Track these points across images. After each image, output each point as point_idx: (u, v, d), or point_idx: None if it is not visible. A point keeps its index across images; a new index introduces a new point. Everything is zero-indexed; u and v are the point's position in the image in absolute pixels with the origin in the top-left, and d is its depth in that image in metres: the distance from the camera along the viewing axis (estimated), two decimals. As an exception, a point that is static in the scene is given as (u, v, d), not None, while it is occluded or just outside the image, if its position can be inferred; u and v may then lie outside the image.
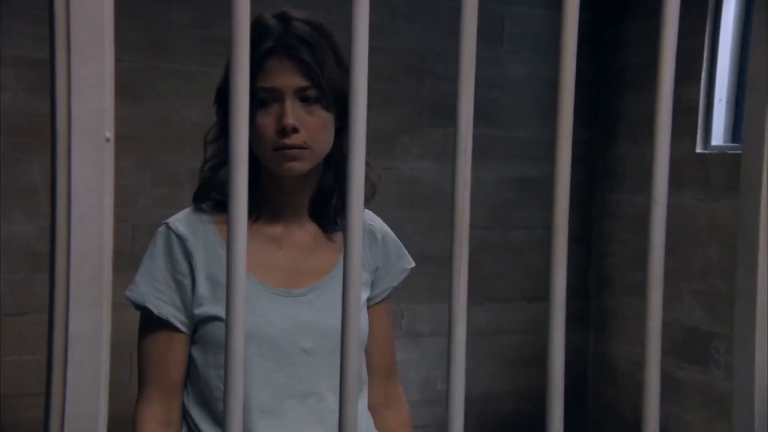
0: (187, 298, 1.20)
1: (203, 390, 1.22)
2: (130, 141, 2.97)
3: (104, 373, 0.58)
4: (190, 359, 1.23)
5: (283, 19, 1.18)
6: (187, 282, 1.20)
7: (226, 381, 0.61)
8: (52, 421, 0.56)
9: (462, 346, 0.66)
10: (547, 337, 0.72)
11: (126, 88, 3.06)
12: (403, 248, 1.36)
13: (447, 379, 0.69)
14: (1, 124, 2.95)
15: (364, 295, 1.29)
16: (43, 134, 2.92)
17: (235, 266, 0.60)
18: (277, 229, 1.25)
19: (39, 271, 2.98)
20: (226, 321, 0.61)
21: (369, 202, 1.28)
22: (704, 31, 3.14)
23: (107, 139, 0.56)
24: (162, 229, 1.23)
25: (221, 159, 1.21)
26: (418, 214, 3.43)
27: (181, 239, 1.20)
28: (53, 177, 0.55)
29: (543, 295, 3.50)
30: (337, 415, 1.23)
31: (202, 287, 1.19)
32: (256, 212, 1.22)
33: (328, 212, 1.26)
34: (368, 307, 1.31)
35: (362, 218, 0.65)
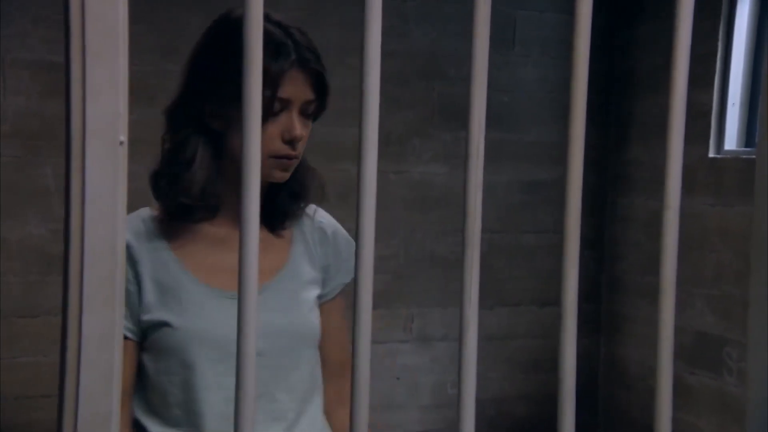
0: (134, 305, 1.19)
1: (155, 397, 1.22)
2: (143, 144, 2.98)
3: (117, 374, 0.58)
4: (141, 367, 1.22)
5: (280, 26, 1.18)
6: (133, 288, 1.19)
7: (237, 388, 0.61)
8: (66, 422, 0.56)
9: (473, 350, 0.66)
10: (558, 341, 0.71)
11: (139, 92, 3.07)
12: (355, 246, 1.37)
13: (458, 383, 0.68)
14: (16, 126, 2.97)
15: (315, 292, 1.28)
16: (56, 137, 2.94)
17: (247, 273, 0.60)
18: (223, 231, 1.24)
19: (52, 272, 3.00)
20: (238, 330, 0.61)
21: (321, 203, 1.30)
22: (718, 34, 3.12)
23: (121, 142, 0.56)
24: None
25: (188, 155, 1.21)
26: (429, 217, 3.43)
27: (126, 246, 1.20)
28: (67, 179, 0.55)
29: (554, 299, 3.49)
30: (290, 414, 1.23)
31: (149, 293, 1.19)
32: (203, 214, 1.22)
33: (276, 211, 1.26)
34: (321, 305, 1.31)
35: (373, 221, 0.65)
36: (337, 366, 1.33)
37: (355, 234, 0.65)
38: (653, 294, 0.78)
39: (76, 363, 0.55)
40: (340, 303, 1.34)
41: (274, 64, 1.13)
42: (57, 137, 2.95)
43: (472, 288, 0.65)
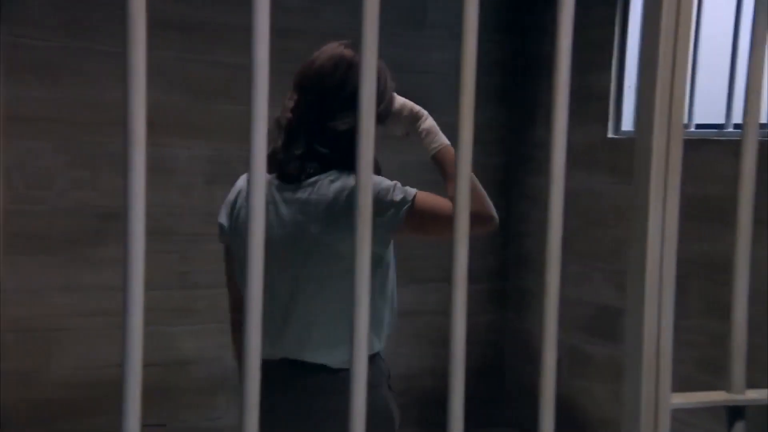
0: None
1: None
2: (48, 123, 2.89)
3: None
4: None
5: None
6: None
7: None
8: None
9: (365, 323, 0.70)
10: (449, 318, 0.75)
11: (45, 69, 2.96)
12: None
13: (351, 357, 0.72)
14: None
15: None
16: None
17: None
18: None
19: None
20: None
21: None
22: (614, 20, 3.26)
23: None
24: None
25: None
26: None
27: None
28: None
29: (464, 276, 3.57)
30: None
31: None
32: None
33: None
34: None
35: (263, 199, 0.67)
36: None
37: (247, 210, 0.67)
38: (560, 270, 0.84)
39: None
40: None
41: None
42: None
43: (363, 263, 0.68)
